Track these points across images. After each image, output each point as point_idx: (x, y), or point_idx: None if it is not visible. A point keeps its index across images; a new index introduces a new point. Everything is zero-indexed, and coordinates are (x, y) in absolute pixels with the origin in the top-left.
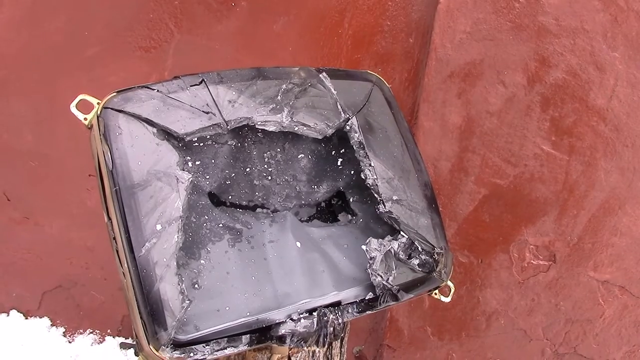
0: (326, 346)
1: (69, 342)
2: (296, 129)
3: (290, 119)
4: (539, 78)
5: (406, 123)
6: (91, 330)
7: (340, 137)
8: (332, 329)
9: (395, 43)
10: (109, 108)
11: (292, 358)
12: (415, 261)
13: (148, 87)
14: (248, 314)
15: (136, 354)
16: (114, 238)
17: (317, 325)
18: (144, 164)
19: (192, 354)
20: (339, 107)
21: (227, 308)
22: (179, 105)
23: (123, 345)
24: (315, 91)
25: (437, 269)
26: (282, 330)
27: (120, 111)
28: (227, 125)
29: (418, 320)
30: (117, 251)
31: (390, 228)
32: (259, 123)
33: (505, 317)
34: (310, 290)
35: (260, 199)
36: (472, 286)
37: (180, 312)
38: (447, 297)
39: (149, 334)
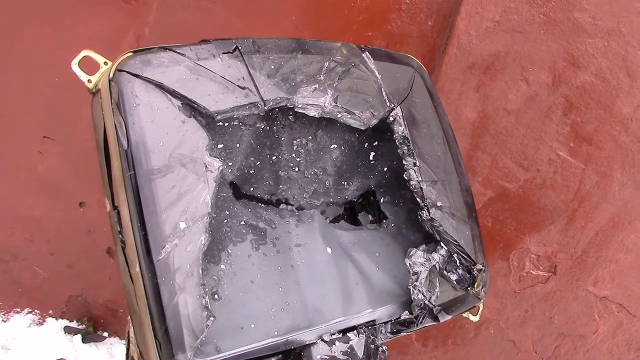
0: None
1: (3, 322)
2: (339, 115)
3: (334, 104)
4: (566, 79)
5: (447, 118)
6: (30, 310)
7: (375, 129)
8: (379, 355)
9: (412, 24)
10: (125, 71)
11: None
12: (454, 277)
13: (172, 50)
14: (276, 333)
15: (84, 341)
16: (121, 232)
17: (364, 352)
18: (167, 146)
19: None
20: (384, 94)
21: (253, 326)
22: (210, 76)
23: (68, 330)
24: (358, 72)
25: (476, 287)
26: (318, 356)
27: (138, 76)
28: (265, 105)
29: None
30: (125, 249)
31: (423, 236)
32: (299, 106)
33: (496, 327)
34: (344, 306)
35: (284, 193)
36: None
37: (202, 331)
38: (475, 315)
39: (164, 356)
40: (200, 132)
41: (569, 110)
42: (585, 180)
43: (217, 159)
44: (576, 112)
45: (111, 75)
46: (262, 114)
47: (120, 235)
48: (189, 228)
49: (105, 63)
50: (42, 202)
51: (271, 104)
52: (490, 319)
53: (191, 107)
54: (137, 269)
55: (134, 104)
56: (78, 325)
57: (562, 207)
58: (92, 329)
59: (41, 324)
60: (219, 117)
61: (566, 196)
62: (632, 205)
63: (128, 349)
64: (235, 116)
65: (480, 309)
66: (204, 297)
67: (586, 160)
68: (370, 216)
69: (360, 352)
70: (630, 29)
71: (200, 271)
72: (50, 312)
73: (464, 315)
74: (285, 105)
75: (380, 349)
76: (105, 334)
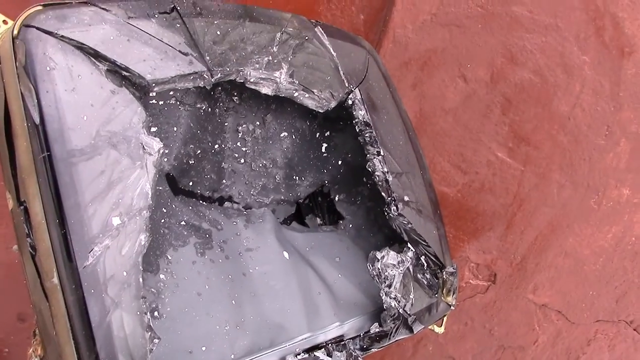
0: None
1: None
2: (295, 94)
3: (290, 79)
4: (504, 76)
5: (404, 106)
6: None
7: (326, 117)
8: None
9: (342, 17)
10: (34, 27)
11: None
12: (424, 282)
13: (95, 4)
14: (232, 356)
15: None
16: (30, 235)
17: None
18: (92, 121)
19: None
20: (341, 74)
21: (204, 349)
22: (143, 39)
23: None
24: (313, 48)
25: (446, 293)
26: None
27: (51, 34)
28: (212, 76)
29: None
30: (35, 258)
31: (385, 237)
32: (251, 80)
33: (435, 343)
34: (309, 321)
35: (228, 189)
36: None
37: (143, 358)
38: (440, 327)
39: None
40: (134, 106)
41: (507, 109)
42: (524, 183)
43: (157, 139)
44: (514, 111)
45: (15, 32)
46: (205, 91)
47: (28, 239)
48: (123, 225)
49: (5, 22)
50: None
51: (219, 75)
52: (428, 334)
53: (121, 76)
54: (55, 280)
55: (47, 68)
56: None
57: (501, 211)
58: None
59: None
60: (156, 89)
61: (505, 200)
62: (571, 208)
63: None
64: (173, 91)
65: (445, 319)
66: (145, 314)
67: (525, 161)
68: (318, 219)
69: None
70: (567, 24)
71: (141, 280)
72: None
73: (429, 328)
74: (235, 78)
75: None
76: None
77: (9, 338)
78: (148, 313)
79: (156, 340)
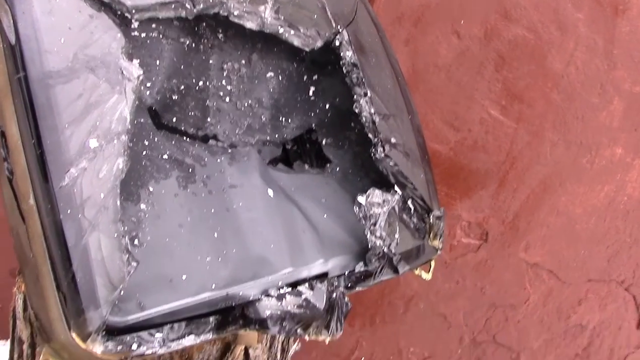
0: (339, 332)
1: None
2: (281, 31)
3: (275, 15)
4: (498, 32)
5: (393, 52)
6: None
7: (314, 61)
8: (343, 307)
9: None
10: None
11: (249, 350)
12: (411, 225)
13: None
14: (213, 286)
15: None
16: (7, 159)
17: (326, 302)
18: (69, 44)
19: (135, 346)
20: (329, 14)
21: (184, 277)
22: None
23: None
24: None
25: (432, 237)
26: (267, 311)
27: None
28: (194, 6)
29: None
30: (12, 180)
31: (372, 182)
32: (235, 13)
33: (426, 301)
34: (292, 256)
35: (212, 128)
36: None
37: (121, 281)
38: (427, 273)
39: (70, 314)
40: (113, 32)
41: (501, 66)
42: (517, 141)
43: (136, 65)
44: (508, 68)
45: None
46: (188, 26)
47: (6, 163)
48: (101, 148)
49: None
50: None
51: (201, 5)
52: (420, 292)
53: (100, 1)
54: (32, 201)
55: None
56: None
57: (493, 169)
58: None
59: None
60: (136, 16)
61: (498, 158)
62: (563, 166)
63: (14, 330)
64: (156, 23)
65: (432, 265)
66: (123, 238)
67: (518, 119)
68: (306, 165)
69: (321, 304)
70: None
71: (118, 204)
72: None
73: (416, 272)
74: (219, 11)
75: (344, 301)
76: None
77: (1, 293)
78: (126, 237)
79: (134, 264)
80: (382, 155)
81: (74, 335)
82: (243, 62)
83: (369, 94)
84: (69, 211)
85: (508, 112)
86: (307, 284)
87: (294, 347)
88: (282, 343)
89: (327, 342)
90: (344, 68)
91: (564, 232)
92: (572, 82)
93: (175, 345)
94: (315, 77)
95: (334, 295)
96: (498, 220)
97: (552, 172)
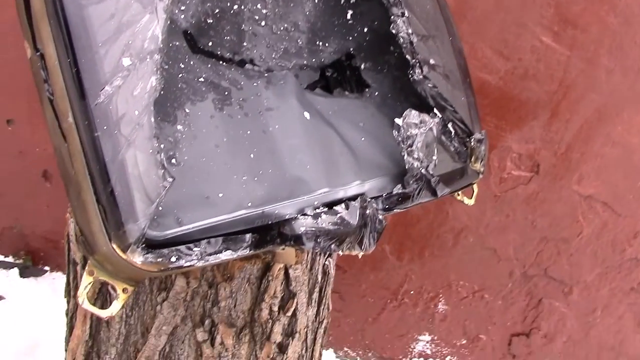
0: (372, 247)
1: None
2: None
3: None
4: None
5: None
6: None
7: None
8: (377, 224)
9: None
10: None
11: (290, 271)
12: (451, 148)
13: None
14: (250, 204)
15: (22, 275)
16: (47, 81)
17: (359, 218)
18: None
19: (174, 258)
20: None
21: (221, 195)
22: None
23: (3, 265)
24: None
25: (474, 161)
26: (302, 228)
27: None
28: None
29: None
30: (53, 101)
31: (412, 106)
32: None
33: (475, 235)
34: (328, 177)
35: (248, 52)
36: (442, 199)
37: (158, 195)
38: (470, 198)
39: (111, 227)
40: None
41: None
42: (570, 69)
43: None
44: None
45: None
46: None
47: (46, 85)
48: (134, 67)
49: None
50: None
51: None
52: (469, 226)
53: None
54: (70, 119)
55: None
56: (15, 260)
57: (545, 99)
58: (31, 263)
59: None
60: None
61: (550, 87)
62: (620, 94)
63: (69, 253)
64: None
65: (476, 191)
66: (159, 154)
67: (571, 45)
68: (347, 93)
69: (354, 220)
70: None
71: (152, 121)
72: None
73: (458, 197)
74: None
75: (377, 217)
76: (47, 268)
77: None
78: (162, 154)
79: (170, 179)
80: (421, 76)
81: (114, 246)
82: None
83: (406, 14)
84: (105, 128)
85: (561, 39)
86: (343, 204)
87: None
88: (324, 266)
89: (359, 256)
90: None
91: (620, 163)
92: (630, 4)
93: (212, 259)
94: (352, 0)
95: (367, 211)
96: (550, 151)
97: (607, 100)
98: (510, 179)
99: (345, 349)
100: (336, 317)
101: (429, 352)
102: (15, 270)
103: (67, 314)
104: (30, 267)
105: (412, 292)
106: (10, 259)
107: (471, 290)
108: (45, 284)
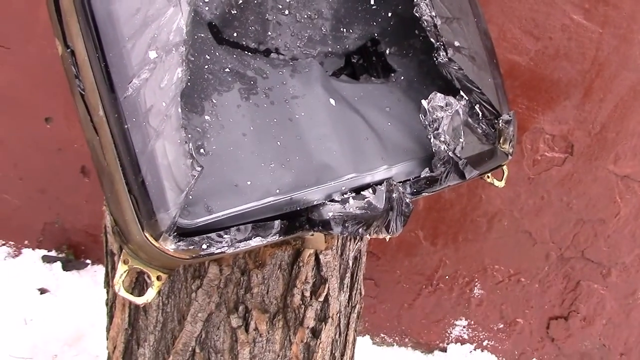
0: (399, 231)
1: None
2: None
3: None
4: None
5: None
6: (3, 242)
7: None
8: (403, 207)
9: None
10: None
11: (320, 256)
12: (479, 130)
13: None
14: (278, 191)
15: (65, 269)
16: (78, 76)
17: (386, 202)
18: None
19: (205, 246)
20: None
21: (249, 183)
22: None
23: (46, 259)
24: None
25: (502, 143)
26: (329, 213)
27: None
28: None
29: (409, 224)
30: (84, 95)
31: (438, 89)
32: None
33: (510, 218)
34: (355, 162)
35: (273, 41)
36: (474, 182)
37: (187, 184)
38: (501, 181)
39: (143, 216)
40: None
41: None
42: (603, 46)
43: None
44: None
45: None
46: None
47: (77, 81)
48: (161, 59)
49: None
50: (3, 122)
51: None
52: (503, 209)
53: None
54: (101, 112)
55: None
56: (57, 254)
57: (577, 78)
58: (73, 257)
59: (17, 255)
60: None
61: (582, 66)
62: None
63: (106, 244)
64: None
65: (506, 173)
66: (187, 144)
67: (603, 23)
68: (373, 79)
69: (380, 204)
70: None
71: (180, 112)
72: (26, 242)
73: (488, 180)
74: None
75: (404, 201)
76: (88, 262)
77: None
78: (190, 144)
79: (198, 168)
80: (446, 59)
81: (147, 235)
82: None
83: None
84: (134, 120)
85: (592, 16)
86: (370, 189)
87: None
88: (354, 251)
89: (387, 239)
90: None
91: None
92: None
93: (243, 246)
94: None
95: (394, 195)
96: (584, 131)
97: None
98: (544, 161)
99: (382, 335)
100: (372, 304)
101: (466, 336)
102: (59, 264)
103: (106, 304)
104: (73, 260)
105: (447, 277)
106: (53, 253)
107: (507, 274)
108: (88, 277)
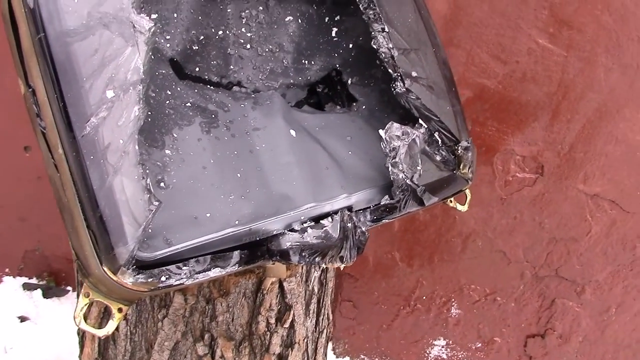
0: (353, 260)
1: None
2: None
3: None
4: None
5: None
6: None
7: (335, 1)
8: (358, 237)
9: None
10: None
11: (284, 284)
12: (437, 157)
13: None
14: (237, 222)
15: (45, 296)
16: (39, 114)
17: (340, 232)
18: (83, 3)
19: (164, 278)
20: None
21: (208, 215)
22: None
23: (27, 286)
24: None
25: (462, 168)
26: (287, 243)
27: None
28: None
29: (385, 245)
30: (45, 134)
31: (399, 118)
32: None
33: (484, 238)
34: (314, 192)
35: (235, 75)
36: (448, 204)
37: (145, 219)
38: (463, 205)
39: (101, 250)
40: None
41: None
42: (568, 69)
43: (147, 18)
44: None
45: None
46: None
47: (39, 119)
48: (118, 98)
49: None
50: None
51: None
52: (477, 230)
53: None
54: (60, 150)
55: None
56: (38, 282)
57: (545, 100)
58: (54, 284)
59: None
60: None
61: (549, 88)
62: (620, 92)
63: (77, 275)
64: None
65: (469, 197)
66: (144, 179)
67: (568, 46)
68: (338, 107)
69: (335, 233)
70: None
71: (137, 149)
72: (7, 270)
73: (451, 204)
74: None
75: (359, 229)
76: (69, 288)
77: None
78: (148, 179)
79: (156, 203)
80: (403, 89)
81: (105, 269)
82: (261, 8)
83: (386, 29)
84: (92, 157)
85: (557, 40)
86: (329, 218)
87: (333, 281)
88: (320, 277)
89: (342, 268)
90: (360, 5)
91: (625, 161)
92: (625, 1)
93: (202, 277)
94: (337, 17)
95: (348, 225)
96: (553, 152)
97: (607, 99)
98: (515, 181)
99: (362, 356)
100: (351, 325)
101: (444, 356)
102: (39, 292)
103: (78, 334)
104: (54, 287)
105: (424, 298)
106: (34, 280)
107: (483, 293)
108: (68, 304)
